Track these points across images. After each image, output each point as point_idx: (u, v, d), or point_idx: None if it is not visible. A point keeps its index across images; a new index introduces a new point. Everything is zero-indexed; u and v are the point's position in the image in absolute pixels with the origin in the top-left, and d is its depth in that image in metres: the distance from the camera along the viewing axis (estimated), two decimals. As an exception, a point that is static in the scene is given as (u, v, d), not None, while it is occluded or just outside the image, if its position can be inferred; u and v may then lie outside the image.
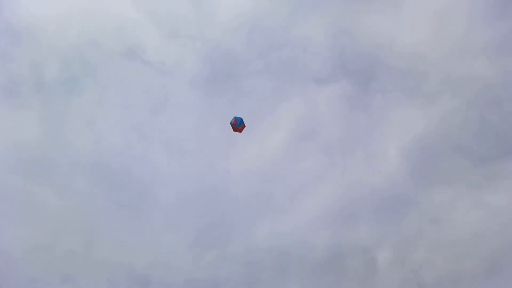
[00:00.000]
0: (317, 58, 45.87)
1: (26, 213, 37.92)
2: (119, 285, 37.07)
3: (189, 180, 41.80)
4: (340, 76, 45.46)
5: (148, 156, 42.65)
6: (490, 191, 38.85)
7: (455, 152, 41.08)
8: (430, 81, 43.94)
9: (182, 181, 41.82)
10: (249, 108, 44.70)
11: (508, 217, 37.11)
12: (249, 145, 42.99)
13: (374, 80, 44.76)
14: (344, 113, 44.38)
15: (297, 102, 44.82)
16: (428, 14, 45.60)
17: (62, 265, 36.87)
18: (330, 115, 44.23)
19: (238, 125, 29.07)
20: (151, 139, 43.45)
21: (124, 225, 39.51)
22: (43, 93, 42.81)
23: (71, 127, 42.20)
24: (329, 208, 40.38)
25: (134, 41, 45.47)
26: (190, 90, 45.09)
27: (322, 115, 44.36)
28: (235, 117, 28.84)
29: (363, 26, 45.92)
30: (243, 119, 28.67)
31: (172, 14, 46.31)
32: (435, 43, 45.12)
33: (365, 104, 44.33)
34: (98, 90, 44.08)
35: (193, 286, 37.61)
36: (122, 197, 40.55)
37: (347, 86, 44.80)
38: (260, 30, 46.35)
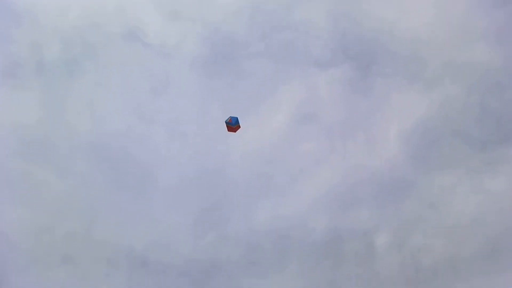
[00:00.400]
0: (318, 42, 45.39)
1: (26, 194, 37.60)
2: (119, 265, 36.88)
3: (189, 162, 41.51)
4: (341, 60, 45.02)
5: (149, 138, 42.32)
6: (490, 177, 38.54)
7: (455, 137, 40.73)
8: (431, 66, 43.53)
9: (182, 163, 41.54)
10: (249, 90, 44.30)
11: (507, 203, 36.79)
12: (249, 127, 42.60)
13: (375, 64, 44.36)
14: (345, 97, 43.96)
15: (298, 85, 44.39)
16: (430, -1, 45.10)
17: (62, 246, 36.66)
18: (330, 98, 43.82)
19: (233, 124, 28.50)
20: (152, 121, 43.09)
21: (124, 206, 39.26)
22: (44, 75, 42.32)
23: (71, 108, 41.79)
24: (328, 192, 40.11)
25: (135, 23, 44.96)
26: (190, 72, 44.65)
27: (322, 99, 43.95)
28: (230, 117, 28.26)
29: (364, 10, 45.39)
30: (238, 119, 28.07)
31: (173, -4, 45.77)
32: (436, 28, 44.61)
33: (366, 89, 43.92)
34: (98, 72, 43.59)
35: (192, 267, 37.43)
36: (123, 178, 40.29)
37: (348, 70, 44.35)
38: (261, 13, 45.81)
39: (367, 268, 37.01)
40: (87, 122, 41.75)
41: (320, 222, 39.25)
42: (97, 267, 36.55)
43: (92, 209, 38.60)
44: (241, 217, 39.64)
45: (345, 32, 45.43)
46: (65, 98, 42.15)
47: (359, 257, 37.58)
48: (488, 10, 43.51)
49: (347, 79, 44.39)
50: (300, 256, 38.11)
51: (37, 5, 43.25)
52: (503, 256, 35.20)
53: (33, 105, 41.02)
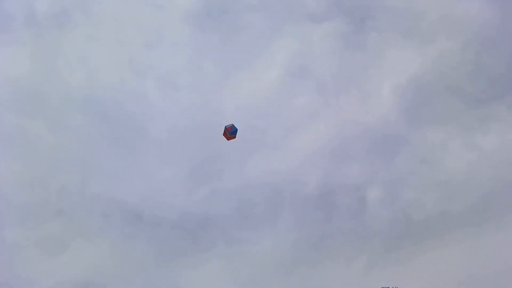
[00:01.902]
0: (313, -5, 44.13)
1: (19, 148, 36.66)
2: (113, 219, 36.31)
3: (182, 115, 40.66)
4: (335, 14, 43.80)
5: (142, 91, 41.37)
6: (482, 133, 37.80)
7: (448, 93, 39.87)
8: (426, 21, 42.35)
9: (175, 116, 40.71)
10: (243, 44, 43.35)
11: (499, 159, 36.12)
12: (243, 81, 41.74)
13: (370, 18, 43.20)
14: (339, 51, 42.87)
15: (292, 39, 43.22)
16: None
17: (56, 200, 35.93)
18: (324, 53, 42.71)
19: (230, 133, 27.82)
20: (145, 74, 42.11)
21: (117, 160, 38.55)
22: (35, 28, 41.01)
23: (63, 62, 40.60)
24: (321, 146, 39.43)
25: (127, -26, 43.53)
26: (184, 25, 43.41)
27: (316, 53, 42.83)
28: (232, 124, 27.55)
29: (360, -38, 44.16)
30: (237, 131, 27.43)
31: None
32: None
33: (360, 43, 42.85)
34: (90, 24, 42.23)
35: (186, 221, 36.98)
36: (116, 132, 39.43)
37: (342, 24, 43.15)
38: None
39: (358, 222, 36.63)
40: (79, 76, 40.66)
41: (312, 177, 38.76)
42: (91, 220, 35.94)
43: (86, 163, 37.80)
44: (234, 171, 39.02)
45: (339, -16, 44.29)
46: (56, 51, 40.94)
47: (351, 211, 37.16)
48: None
49: (341, 33, 43.29)
50: (293, 210, 37.68)
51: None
52: (493, 212, 34.70)
53: (24, 58, 39.83)
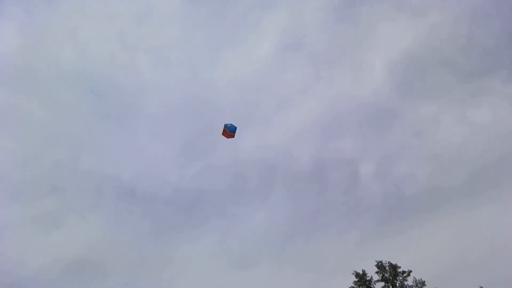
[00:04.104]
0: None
1: (11, 125, 35.67)
2: (106, 195, 35.69)
3: (174, 89, 39.80)
4: (327, -13, 42.68)
5: (133, 65, 40.37)
6: (474, 107, 37.27)
7: (441, 66, 39.16)
8: (418, -7, 41.29)
9: (167, 91, 39.82)
10: (234, 18, 42.21)
11: (490, 133, 35.56)
12: (235, 55, 40.75)
13: (362, -9, 42.06)
14: (331, 25, 41.89)
15: (284, 13, 42.11)
16: None
17: (49, 176, 35.20)
18: (316, 27, 41.69)
19: (229, 130, 26.80)
20: (135, 48, 41.02)
21: (110, 135, 37.77)
22: (24, 3, 39.57)
23: (53, 36, 39.34)
24: (314, 121, 38.79)
25: None
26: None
27: (308, 27, 41.82)
28: (231, 124, 26.51)
29: None
30: (236, 129, 26.35)
31: None
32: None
33: (352, 16, 41.87)
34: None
35: (179, 196, 36.47)
36: (107, 107, 38.53)
37: (334, -3, 42.02)
38: None
39: (351, 197, 36.24)
40: (70, 50, 39.49)
41: (305, 151, 38.25)
42: (85, 196, 35.31)
43: (78, 139, 37.01)
44: (227, 146, 38.35)
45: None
46: (46, 25, 39.63)
47: (343, 186, 36.73)
48: None
49: (333, 7, 42.23)
50: (285, 185, 37.23)
51: None
52: (485, 185, 34.20)
53: (14, 33, 38.48)
